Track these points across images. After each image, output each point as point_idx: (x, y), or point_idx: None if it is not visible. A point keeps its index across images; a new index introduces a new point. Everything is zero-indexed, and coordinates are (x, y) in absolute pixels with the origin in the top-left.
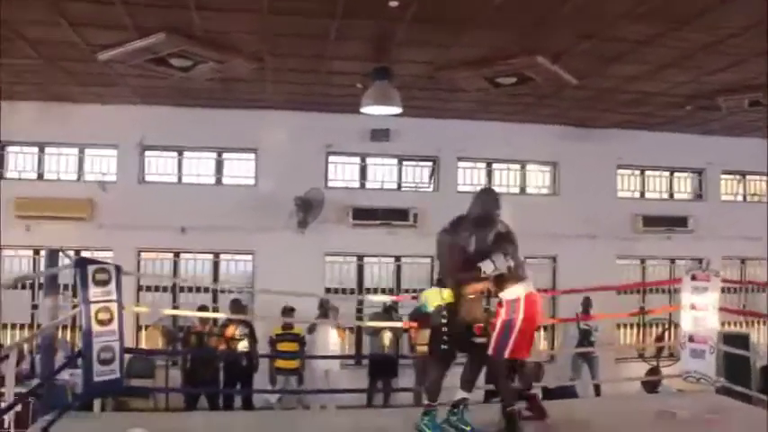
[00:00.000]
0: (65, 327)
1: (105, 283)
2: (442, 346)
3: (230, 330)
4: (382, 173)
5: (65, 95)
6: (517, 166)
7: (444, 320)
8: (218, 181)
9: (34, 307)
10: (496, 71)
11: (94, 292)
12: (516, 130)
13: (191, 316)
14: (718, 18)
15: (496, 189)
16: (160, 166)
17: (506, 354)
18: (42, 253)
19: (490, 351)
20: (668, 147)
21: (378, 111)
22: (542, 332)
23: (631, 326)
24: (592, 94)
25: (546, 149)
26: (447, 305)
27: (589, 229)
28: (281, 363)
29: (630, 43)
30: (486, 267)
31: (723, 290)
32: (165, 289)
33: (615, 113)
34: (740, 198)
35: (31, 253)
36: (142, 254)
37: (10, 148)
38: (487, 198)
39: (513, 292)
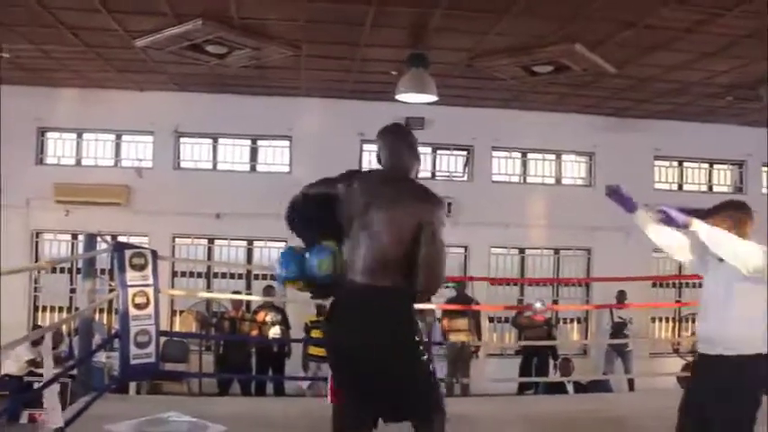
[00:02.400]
0: (101, 310)
1: (142, 267)
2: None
3: (261, 316)
4: None
5: (103, 82)
6: (552, 157)
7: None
8: (253, 168)
9: (72, 290)
10: (533, 59)
11: (131, 276)
12: (552, 119)
13: (224, 301)
14: (763, 4)
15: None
16: (195, 153)
17: None
18: (80, 237)
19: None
20: (708, 138)
21: (412, 98)
22: (575, 325)
23: (667, 320)
24: (630, 83)
25: (582, 139)
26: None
27: (625, 221)
28: (314, 350)
29: (672, 31)
30: None
31: None
32: (199, 275)
33: (653, 103)
34: None
35: (69, 237)
36: (177, 239)
37: (49, 134)
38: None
39: None
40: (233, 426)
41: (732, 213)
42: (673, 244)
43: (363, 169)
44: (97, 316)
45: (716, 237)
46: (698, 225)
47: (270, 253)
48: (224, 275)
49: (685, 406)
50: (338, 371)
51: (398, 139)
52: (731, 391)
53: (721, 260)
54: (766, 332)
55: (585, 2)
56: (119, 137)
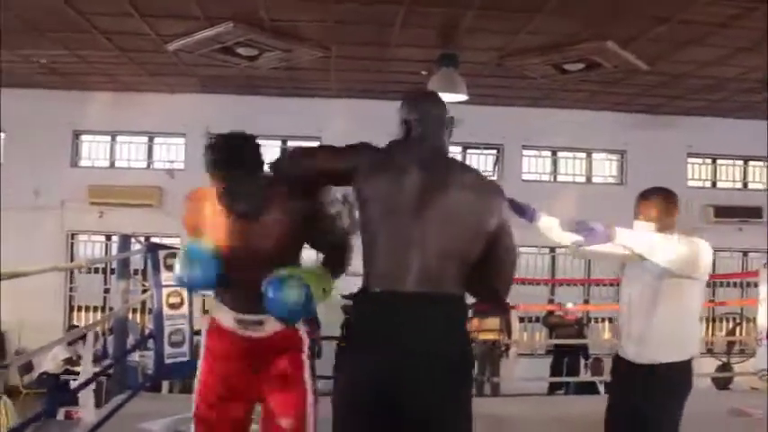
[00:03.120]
0: (134, 310)
1: None
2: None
3: None
4: None
5: (135, 85)
6: (583, 155)
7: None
8: None
9: (106, 291)
10: (564, 57)
11: (165, 276)
12: (583, 117)
13: None
14: None
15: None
16: None
17: None
18: (114, 238)
19: None
20: (742, 134)
21: (443, 98)
22: (607, 324)
23: (701, 320)
24: (663, 79)
25: (613, 137)
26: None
27: None
28: None
29: (706, 26)
30: None
31: None
32: None
33: (686, 100)
34: None
35: (103, 238)
36: None
37: (84, 137)
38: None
39: None
40: None
41: (660, 202)
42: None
43: (377, 144)
44: (131, 316)
45: (643, 241)
46: (621, 234)
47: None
48: None
49: (614, 416)
50: (360, 410)
51: (439, 109)
52: (662, 398)
53: (643, 259)
54: (696, 334)
55: None
56: (151, 139)
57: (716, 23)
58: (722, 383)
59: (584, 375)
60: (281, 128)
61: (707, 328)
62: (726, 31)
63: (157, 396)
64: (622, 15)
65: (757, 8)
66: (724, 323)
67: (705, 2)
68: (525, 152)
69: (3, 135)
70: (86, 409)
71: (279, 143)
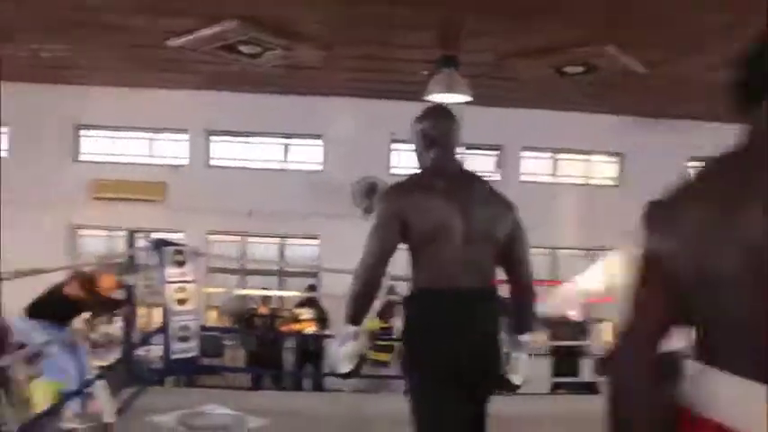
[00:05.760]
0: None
1: (182, 264)
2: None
3: (296, 312)
4: None
5: (138, 81)
6: (582, 157)
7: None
8: (285, 166)
9: None
10: (564, 60)
11: (172, 272)
12: (582, 119)
13: (256, 297)
14: None
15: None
16: (228, 151)
17: None
18: (119, 233)
19: None
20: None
21: (444, 99)
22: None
23: None
24: (663, 83)
25: (612, 140)
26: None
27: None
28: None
29: (706, 32)
30: None
31: None
32: (233, 271)
33: (687, 104)
34: None
35: (106, 233)
36: (210, 236)
37: (86, 132)
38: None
39: None
40: (274, 419)
41: None
42: None
43: (401, 180)
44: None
45: None
46: None
47: (302, 250)
48: (257, 272)
49: None
50: (443, 371)
51: (456, 124)
52: None
53: None
54: None
55: (618, 3)
56: (154, 135)
57: (715, 30)
58: None
59: (586, 375)
60: (282, 126)
61: None
62: (725, 37)
63: (164, 390)
64: (622, 19)
65: (759, 15)
66: None
67: (705, 9)
68: (525, 153)
69: (4, 129)
70: (103, 403)
71: (282, 140)
